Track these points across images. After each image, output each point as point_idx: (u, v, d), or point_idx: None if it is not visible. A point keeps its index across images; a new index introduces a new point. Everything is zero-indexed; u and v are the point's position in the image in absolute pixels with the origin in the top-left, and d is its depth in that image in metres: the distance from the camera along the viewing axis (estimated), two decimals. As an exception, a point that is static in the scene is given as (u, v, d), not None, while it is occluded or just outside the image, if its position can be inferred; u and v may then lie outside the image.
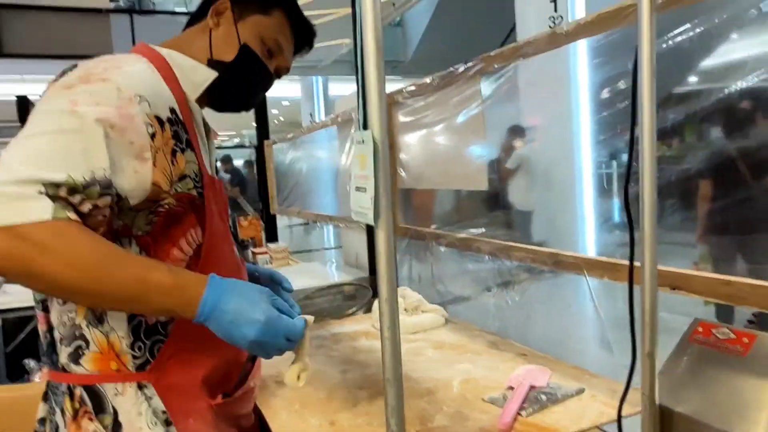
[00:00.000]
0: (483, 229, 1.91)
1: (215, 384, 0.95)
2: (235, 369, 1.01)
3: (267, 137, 3.96)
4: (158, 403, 0.88)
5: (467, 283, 1.98)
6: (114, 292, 0.76)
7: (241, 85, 1.03)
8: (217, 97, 1.02)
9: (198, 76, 0.96)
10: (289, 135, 3.67)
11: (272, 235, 3.99)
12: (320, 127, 3.11)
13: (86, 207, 0.76)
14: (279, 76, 1.09)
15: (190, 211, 0.90)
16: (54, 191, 0.73)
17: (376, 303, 1.75)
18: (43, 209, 0.71)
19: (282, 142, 3.86)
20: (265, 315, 0.81)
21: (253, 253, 3.28)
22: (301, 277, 2.59)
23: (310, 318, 0.90)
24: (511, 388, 1.22)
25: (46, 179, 0.72)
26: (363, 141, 0.73)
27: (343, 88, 9.67)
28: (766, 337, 0.94)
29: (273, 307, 0.83)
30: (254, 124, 4.44)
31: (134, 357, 0.87)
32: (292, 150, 3.82)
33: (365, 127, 0.74)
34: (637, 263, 0.96)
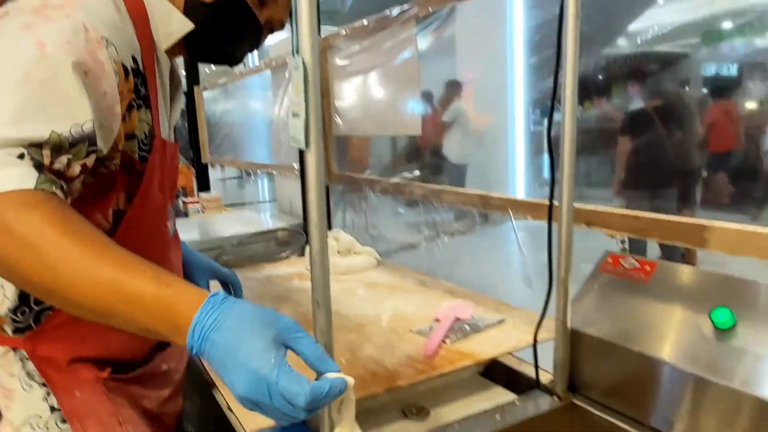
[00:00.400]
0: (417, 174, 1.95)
1: (110, 360, 0.86)
2: (140, 347, 0.93)
3: (197, 83, 3.81)
4: (33, 366, 0.80)
5: (400, 229, 2.02)
6: (79, 299, 0.60)
7: (222, 32, 0.90)
8: (195, 44, 0.89)
9: (172, 25, 0.84)
10: (221, 80, 3.55)
11: (204, 186, 3.90)
12: (253, 72, 3.02)
13: (76, 169, 0.67)
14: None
15: (126, 175, 0.80)
16: (38, 155, 0.63)
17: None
18: (23, 176, 0.61)
19: (213, 89, 3.73)
20: (254, 362, 0.57)
21: (184, 203, 3.20)
22: (233, 224, 2.57)
23: (351, 379, 0.63)
24: (438, 320, 1.28)
25: (25, 138, 0.62)
26: (297, 67, 0.73)
27: (279, 34, 9.35)
28: (666, 265, 1.03)
29: (278, 348, 0.59)
30: (183, 72, 4.26)
31: (14, 321, 0.80)
32: (224, 97, 3.70)
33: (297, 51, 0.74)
34: (556, 203, 1.03)
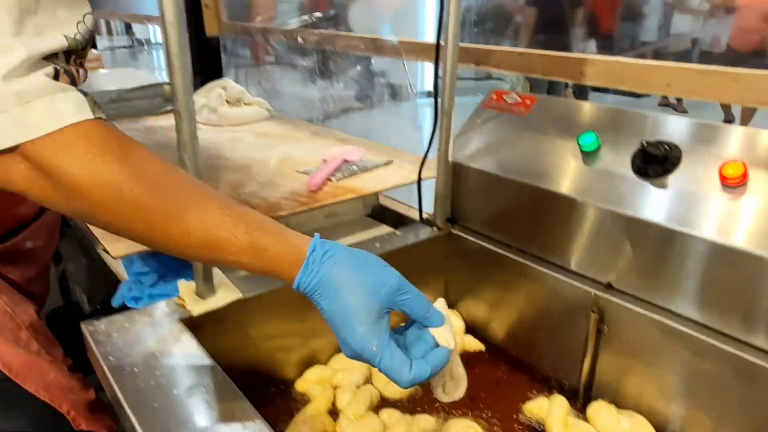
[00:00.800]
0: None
1: None
2: (2, 224, 0.87)
3: None
4: None
5: (295, 79, 1.93)
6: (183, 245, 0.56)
7: None
8: None
9: None
10: None
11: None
12: None
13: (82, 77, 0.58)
14: None
15: None
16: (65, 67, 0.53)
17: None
18: (76, 105, 0.51)
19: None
20: (357, 345, 0.56)
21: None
22: (116, 80, 2.34)
23: (451, 340, 0.61)
24: (326, 161, 1.26)
25: (46, 50, 0.51)
26: None
27: None
28: (544, 99, 1.05)
29: (380, 324, 0.56)
30: None
31: None
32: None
33: None
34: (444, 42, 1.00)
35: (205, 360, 0.70)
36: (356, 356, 0.57)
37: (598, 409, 0.86)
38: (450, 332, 0.61)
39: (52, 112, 0.50)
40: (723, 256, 0.75)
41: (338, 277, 0.56)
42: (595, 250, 0.90)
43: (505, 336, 1.04)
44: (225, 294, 0.84)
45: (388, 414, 0.86)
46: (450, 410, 0.89)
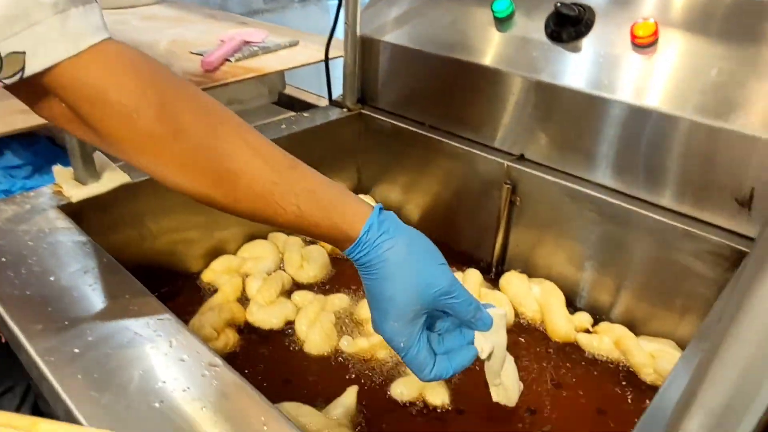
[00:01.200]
0: None
1: None
2: None
3: None
4: None
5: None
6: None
7: None
8: None
9: None
10: None
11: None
12: None
13: None
14: None
15: None
16: None
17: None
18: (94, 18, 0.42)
19: None
20: (387, 333, 0.53)
21: None
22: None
23: (500, 312, 0.57)
24: (223, 41, 1.14)
25: None
26: None
27: None
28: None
29: (416, 323, 0.52)
30: None
31: None
32: None
33: None
34: None
35: (89, 246, 0.63)
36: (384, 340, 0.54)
37: (510, 278, 0.87)
38: (490, 341, 0.57)
39: (88, 23, 0.42)
40: (635, 118, 0.75)
41: (389, 266, 0.51)
42: (509, 122, 0.87)
43: (420, 217, 1.03)
44: (110, 178, 0.75)
45: (301, 296, 0.83)
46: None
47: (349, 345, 0.76)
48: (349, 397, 0.68)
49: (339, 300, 0.83)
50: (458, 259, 0.96)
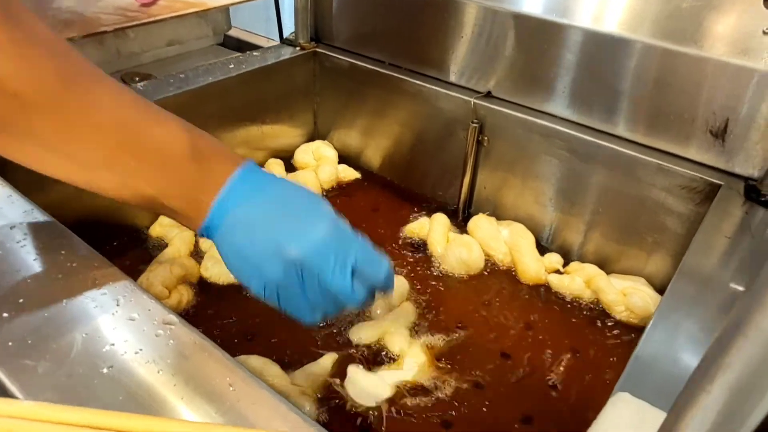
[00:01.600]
0: None
1: None
2: None
3: None
4: None
5: None
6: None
7: None
8: None
9: None
10: None
11: None
12: None
13: None
14: None
15: None
16: None
17: None
18: None
19: None
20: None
21: None
22: None
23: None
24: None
25: None
26: None
27: None
28: None
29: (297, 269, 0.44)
30: None
31: None
32: None
33: None
34: None
35: (15, 199, 0.55)
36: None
37: (478, 221, 0.84)
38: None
39: None
40: (599, 44, 0.71)
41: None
42: (470, 56, 0.83)
43: (381, 162, 0.98)
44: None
45: None
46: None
47: None
48: (323, 366, 0.63)
49: None
50: (424, 203, 0.92)
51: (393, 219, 0.89)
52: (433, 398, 0.61)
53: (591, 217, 0.79)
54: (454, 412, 0.60)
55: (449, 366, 0.65)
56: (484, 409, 0.61)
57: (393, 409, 0.60)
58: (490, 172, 0.86)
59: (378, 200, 0.94)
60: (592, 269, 0.77)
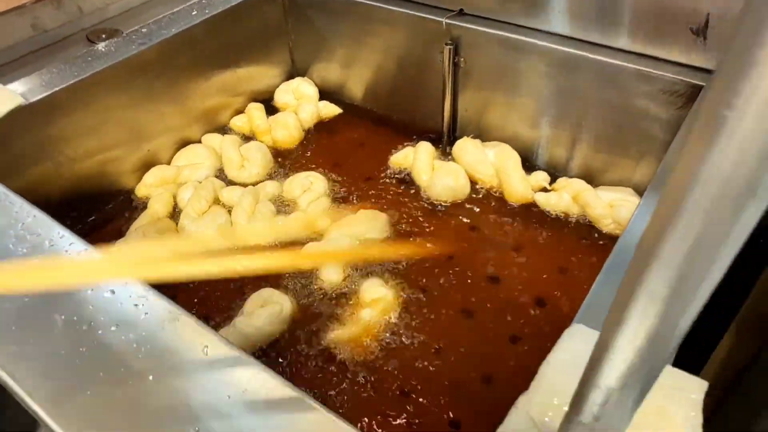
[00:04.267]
0: None
1: None
2: None
3: None
4: None
5: None
6: None
7: None
8: None
9: None
10: None
11: None
12: None
13: None
14: None
15: None
16: None
17: None
18: None
19: None
20: None
21: None
22: None
23: None
24: None
25: None
26: None
27: None
28: None
29: None
30: None
31: None
32: None
33: None
34: None
35: (-12, 184, 0.56)
36: None
37: (463, 145, 0.82)
38: None
39: None
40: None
41: None
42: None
43: (364, 94, 0.96)
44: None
45: (229, 193, 0.78)
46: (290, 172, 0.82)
47: (284, 222, 0.75)
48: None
49: (270, 187, 0.79)
50: (410, 133, 0.91)
51: (378, 152, 0.88)
52: (421, 326, 0.63)
53: (576, 131, 0.77)
54: (441, 344, 0.62)
55: (435, 295, 0.67)
56: (472, 334, 0.63)
57: (382, 341, 0.62)
58: (472, 94, 0.83)
59: (362, 134, 0.92)
60: (579, 184, 0.76)
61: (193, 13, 0.84)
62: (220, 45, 0.87)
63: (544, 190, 0.78)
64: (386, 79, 0.91)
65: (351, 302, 0.66)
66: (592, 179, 0.77)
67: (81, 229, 0.77)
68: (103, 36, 0.90)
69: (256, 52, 0.94)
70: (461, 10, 0.79)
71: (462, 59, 0.80)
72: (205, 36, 0.85)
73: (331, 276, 0.67)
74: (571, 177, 0.78)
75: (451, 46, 0.78)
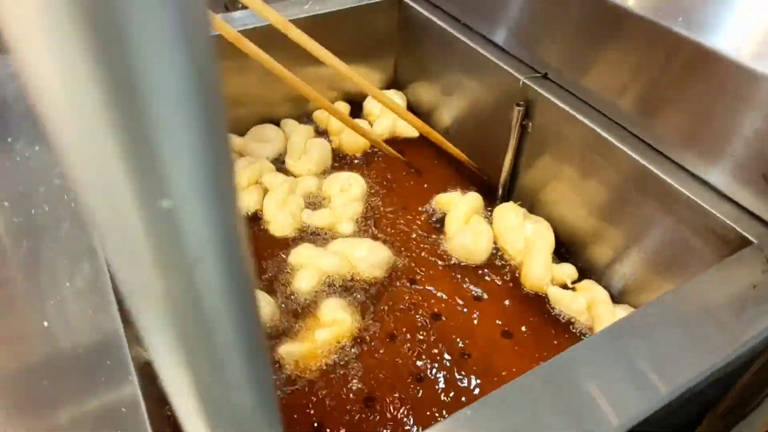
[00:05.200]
0: None
1: None
2: None
3: None
4: None
5: None
6: None
7: None
8: None
9: None
10: None
11: None
12: None
13: None
14: None
15: None
16: None
17: None
18: None
19: None
20: None
21: None
22: None
23: None
24: None
25: None
26: None
27: None
28: None
29: None
30: None
31: None
32: None
33: None
34: None
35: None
36: None
37: (504, 210, 0.78)
38: None
39: None
40: (687, 49, 0.59)
41: None
42: (540, 34, 0.74)
43: (448, 126, 0.94)
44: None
45: (271, 177, 0.83)
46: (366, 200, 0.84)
47: (310, 217, 0.78)
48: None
49: (309, 182, 0.82)
50: (468, 175, 0.88)
51: (431, 185, 0.88)
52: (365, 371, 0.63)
53: (624, 240, 0.69)
54: (377, 394, 0.62)
55: (396, 342, 0.66)
56: (413, 400, 0.61)
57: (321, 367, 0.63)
58: (532, 161, 0.78)
59: (425, 163, 0.92)
60: (600, 293, 0.69)
61: (305, 6, 0.89)
62: (322, 41, 0.91)
63: (564, 286, 0.72)
64: (465, 118, 0.89)
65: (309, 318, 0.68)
66: (622, 294, 0.69)
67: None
68: (239, 5, 0.99)
69: (359, 55, 0.97)
70: (545, 74, 0.74)
71: (530, 123, 0.75)
72: (308, 28, 0.89)
73: (301, 285, 0.70)
74: (600, 283, 0.71)
75: (522, 108, 0.74)
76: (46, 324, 0.47)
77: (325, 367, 0.64)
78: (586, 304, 0.69)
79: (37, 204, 0.55)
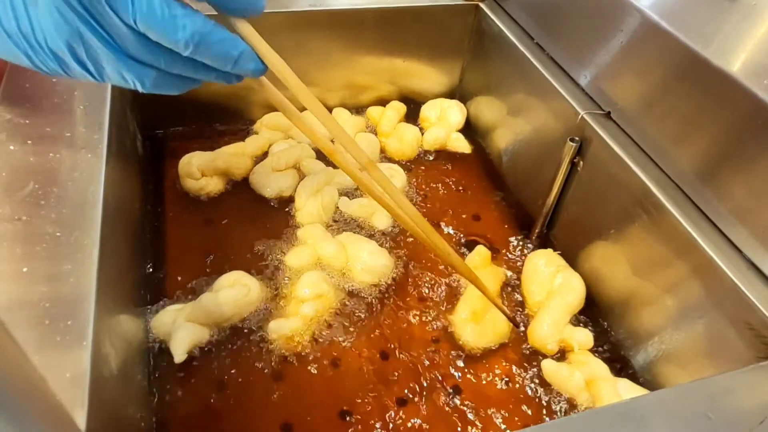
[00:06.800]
0: None
1: None
2: None
3: None
4: None
5: None
6: None
7: None
8: None
9: None
10: None
11: None
12: None
13: None
14: None
15: None
16: None
17: None
18: None
19: None
20: None
21: None
22: None
23: None
24: None
25: None
26: None
27: None
28: None
29: None
30: None
31: None
32: None
33: None
34: None
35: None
36: None
37: (539, 257, 0.71)
38: None
39: None
40: None
41: None
42: (607, 64, 0.67)
43: (502, 149, 0.88)
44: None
45: (309, 163, 0.82)
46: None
47: (346, 206, 0.77)
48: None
49: (347, 177, 0.80)
50: (510, 204, 0.83)
51: (471, 207, 0.83)
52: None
53: (651, 312, 0.62)
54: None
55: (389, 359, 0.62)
56: None
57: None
58: (575, 200, 0.72)
59: (469, 182, 0.87)
60: (601, 370, 0.61)
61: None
62: (388, 35, 0.88)
63: (564, 352, 0.65)
64: (521, 143, 0.83)
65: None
66: (642, 368, 0.62)
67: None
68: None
69: (426, 57, 0.93)
70: (608, 112, 0.67)
71: (581, 162, 0.69)
72: (372, 21, 0.86)
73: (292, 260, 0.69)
74: (619, 352, 0.64)
75: (575, 144, 0.68)
76: (25, 270, 0.47)
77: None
78: (582, 380, 0.61)
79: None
